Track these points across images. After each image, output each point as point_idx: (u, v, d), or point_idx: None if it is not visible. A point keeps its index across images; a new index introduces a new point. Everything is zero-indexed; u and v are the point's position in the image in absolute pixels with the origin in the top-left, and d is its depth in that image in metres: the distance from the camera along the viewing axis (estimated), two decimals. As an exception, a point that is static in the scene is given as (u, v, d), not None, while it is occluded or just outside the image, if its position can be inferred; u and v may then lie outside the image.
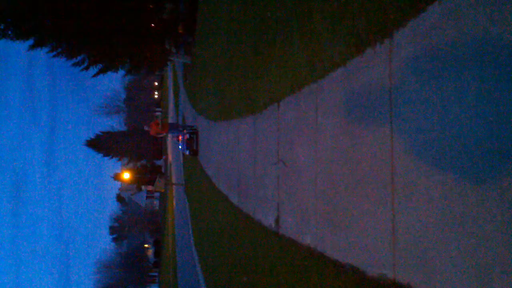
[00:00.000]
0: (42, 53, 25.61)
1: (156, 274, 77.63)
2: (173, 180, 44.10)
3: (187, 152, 21.30)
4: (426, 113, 3.11)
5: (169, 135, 27.43)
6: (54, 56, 25.90)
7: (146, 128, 19.44)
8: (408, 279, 3.27)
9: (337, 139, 4.66)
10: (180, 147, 23.55)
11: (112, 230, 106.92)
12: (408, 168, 3.34)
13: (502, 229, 2.43)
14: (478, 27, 2.65)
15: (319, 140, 5.11)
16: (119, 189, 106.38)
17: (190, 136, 20.31)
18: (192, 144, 20.29)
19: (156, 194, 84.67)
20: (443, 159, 2.93)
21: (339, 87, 4.61)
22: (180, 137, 22.06)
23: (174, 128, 21.85)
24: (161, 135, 21.66)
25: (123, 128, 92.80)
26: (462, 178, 2.74)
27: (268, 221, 7.12)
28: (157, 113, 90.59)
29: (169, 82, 65.62)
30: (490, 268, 2.50)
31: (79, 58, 26.67)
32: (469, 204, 2.68)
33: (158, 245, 70.61)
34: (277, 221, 6.66)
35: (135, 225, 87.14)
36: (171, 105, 57.88)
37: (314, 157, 5.24)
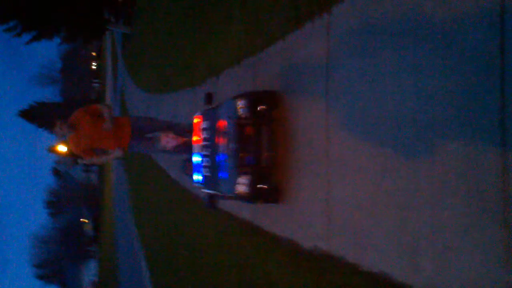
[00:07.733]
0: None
1: (94, 249, 76.25)
2: (112, 153, 42.79)
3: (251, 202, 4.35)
4: (362, 88, 3.13)
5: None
6: (-17, 20, 24.46)
7: (58, 130, 5.10)
8: (342, 251, 3.34)
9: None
10: (194, 177, 5.01)
11: (48, 204, 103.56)
12: (342, 142, 3.38)
13: (430, 202, 2.50)
14: (413, 2, 2.67)
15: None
16: (55, 162, 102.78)
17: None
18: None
19: (94, 168, 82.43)
20: (377, 133, 2.97)
21: (278, 61, 4.57)
22: (195, 143, 4.97)
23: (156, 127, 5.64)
24: (103, 159, 5.88)
25: (59, 99, 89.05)
26: (395, 152, 2.79)
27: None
28: (95, 84, 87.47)
29: (108, 53, 63.35)
30: (419, 240, 2.58)
31: (11, 23, 25.29)
32: (400, 178, 2.74)
33: (97, 220, 69.08)
34: (215, 195, 6.62)
35: (72, 199, 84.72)
36: (109, 77, 56.00)
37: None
